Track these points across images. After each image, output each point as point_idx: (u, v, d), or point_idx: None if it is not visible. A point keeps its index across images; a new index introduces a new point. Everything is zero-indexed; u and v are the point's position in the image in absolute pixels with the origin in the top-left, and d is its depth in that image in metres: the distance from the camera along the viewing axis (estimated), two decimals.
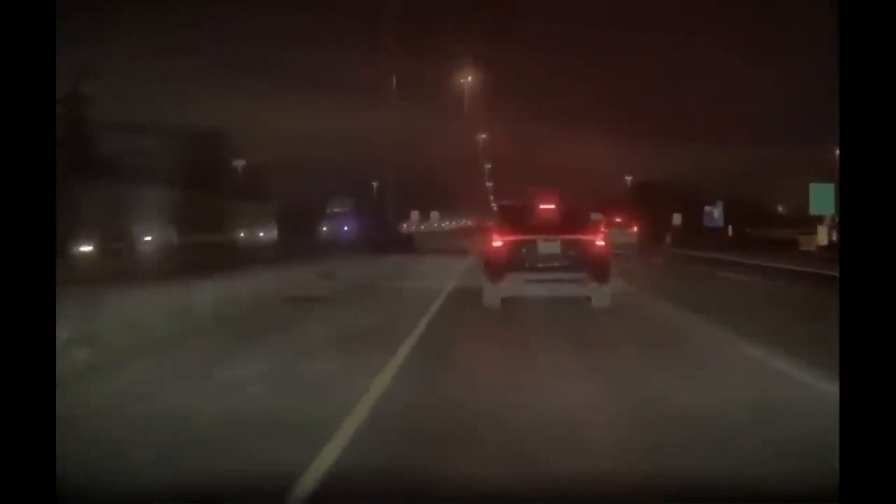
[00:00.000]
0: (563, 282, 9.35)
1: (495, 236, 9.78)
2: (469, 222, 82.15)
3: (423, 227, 66.78)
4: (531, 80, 79.95)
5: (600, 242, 9.62)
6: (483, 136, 65.55)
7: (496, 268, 9.61)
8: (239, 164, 47.45)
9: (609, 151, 65.42)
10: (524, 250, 9.51)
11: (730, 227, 42.51)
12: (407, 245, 33.97)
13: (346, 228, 42.63)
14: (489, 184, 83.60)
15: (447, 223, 75.98)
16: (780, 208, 52.76)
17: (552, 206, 10.06)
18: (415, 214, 70.53)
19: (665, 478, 3.45)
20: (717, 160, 51.63)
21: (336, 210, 47.92)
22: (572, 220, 9.85)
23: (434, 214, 73.43)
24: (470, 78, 49.82)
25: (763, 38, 57.18)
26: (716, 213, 43.74)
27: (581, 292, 9.52)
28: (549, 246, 9.48)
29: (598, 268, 9.42)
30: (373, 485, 3.40)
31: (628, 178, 58.79)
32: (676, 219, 45.21)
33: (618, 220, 28.24)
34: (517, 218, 10.07)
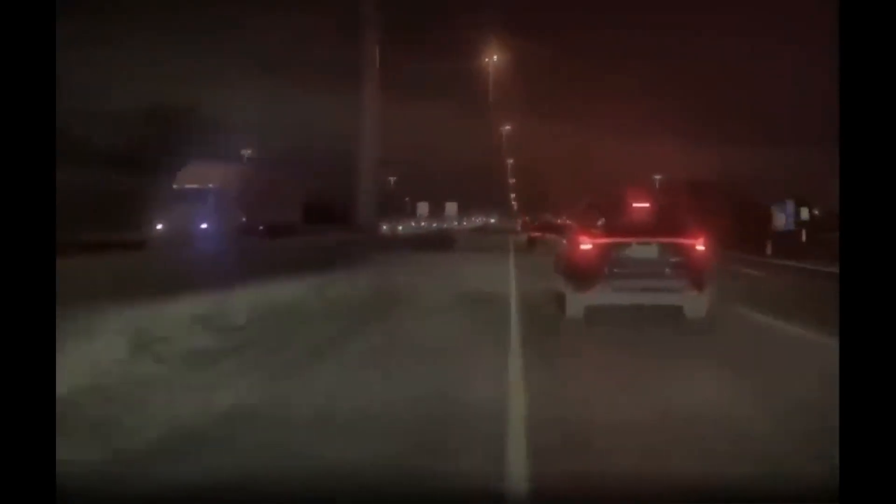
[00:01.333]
0: (658, 290, 8.52)
1: (583, 238, 8.79)
2: (493, 220, 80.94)
3: (401, 228, 55.44)
4: (557, 77, 79.73)
5: (701, 247, 8.63)
6: (507, 127, 63.87)
7: (584, 274, 8.65)
8: (245, 153, 45.27)
9: (632, 150, 64.94)
10: (616, 254, 8.58)
11: (803, 232, 33.89)
12: (429, 246, 26.11)
13: (204, 225, 21.19)
14: (512, 180, 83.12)
15: (452, 222, 68.45)
16: (816, 211, 49.44)
17: (646, 205, 9.25)
18: (423, 206, 59.93)
19: (665, 478, 3.45)
20: (737, 161, 50.07)
21: (190, 187, 22.55)
22: (669, 222, 8.97)
23: (451, 207, 61.75)
24: (495, 57, 47.68)
25: (776, 37, 56.43)
26: (804, 212, 36.87)
27: (677, 301, 8.66)
28: (644, 250, 8.62)
29: (697, 275, 8.54)
30: None
31: (657, 178, 57.43)
32: (779, 220, 36.37)
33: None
34: (610, 217, 9.12)
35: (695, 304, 8.59)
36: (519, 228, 35.73)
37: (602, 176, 48.70)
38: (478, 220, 78.37)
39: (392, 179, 70.23)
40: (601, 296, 8.60)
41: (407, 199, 71.45)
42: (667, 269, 8.54)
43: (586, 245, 8.73)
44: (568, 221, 12.49)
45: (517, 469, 3.49)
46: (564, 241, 10.34)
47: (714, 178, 47.00)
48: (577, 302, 8.80)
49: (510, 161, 75.19)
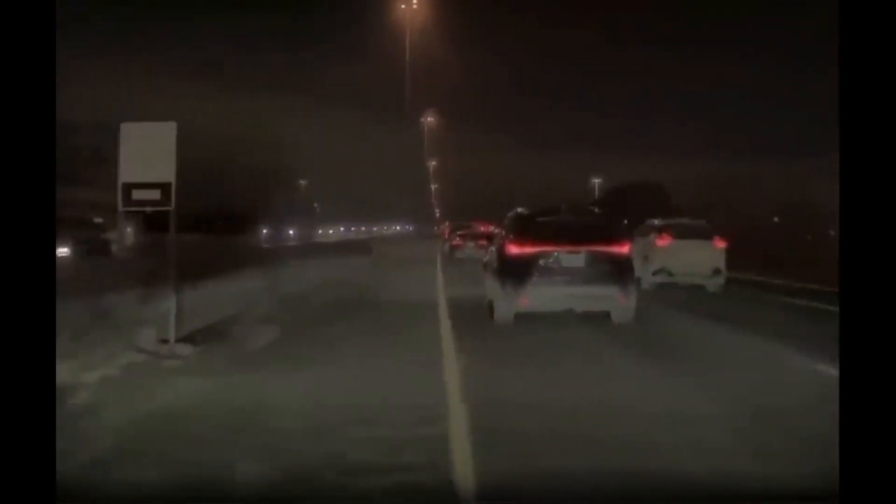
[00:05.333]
0: (586, 297, 8.80)
1: (513, 247, 9.06)
2: (410, 228, 79.50)
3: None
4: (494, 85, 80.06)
5: (626, 253, 9.08)
6: (428, 119, 61.81)
7: (513, 281, 8.85)
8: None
9: (559, 155, 65.93)
10: (545, 262, 8.85)
11: None
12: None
13: None
14: (433, 186, 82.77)
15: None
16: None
17: (574, 215, 9.58)
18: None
19: (665, 477, 3.48)
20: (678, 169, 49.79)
21: None
22: (596, 230, 9.28)
23: None
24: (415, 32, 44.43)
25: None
26: None
27: (604, 307, 9.00)
28: (572, 258, 8.87)
29: (623, 281, 8.86)
30: None
31: (596, 181, 57.11)
32: None
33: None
34: (536, 227, 9.32)
35: (623, 309, 8.93)
36: (446, 236, 35.35)
37: (539, 183, 48.66)
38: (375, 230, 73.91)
39: (303, 183, 68.77)
40: (531, 302, 8.84)
41: (316, 204, 70.76)
42: (594, 276, 8.80)
43: (515, 252, 8.98)
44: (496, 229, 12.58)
45: None
46: (493, 249, 10.53)
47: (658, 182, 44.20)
48: (507, 308, 8.96)
49: (432, 163, 73.93)
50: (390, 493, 3.26)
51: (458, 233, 31.01)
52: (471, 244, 27.59)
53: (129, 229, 27.31)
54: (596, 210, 10.13)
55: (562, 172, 64.31)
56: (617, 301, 8.82)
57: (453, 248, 29.06)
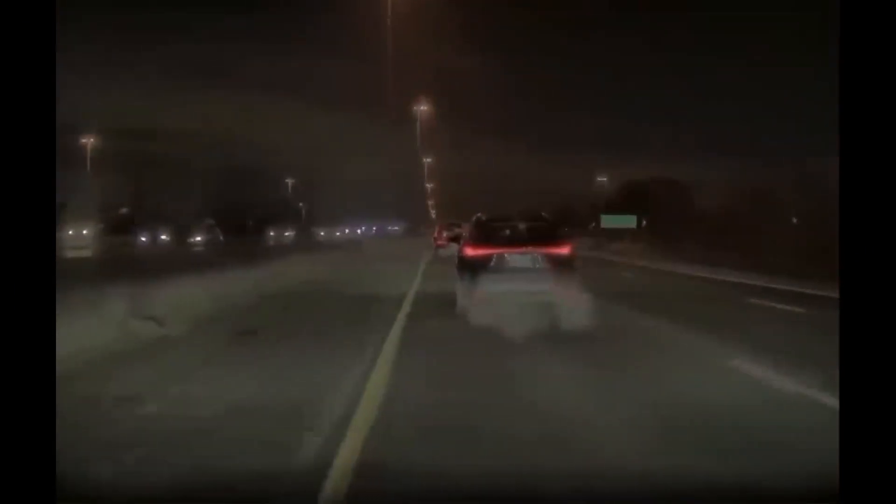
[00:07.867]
0: (532, 292, 9.77)
1: (468, 248, 10.52)
2: (396, 228, 77.51)
3: None
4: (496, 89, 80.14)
5: (567, 254, 10.28)
6: (423, 107, 60.54)
7: (469, 277, 10.18)
8: (88, 141, 41.37)
9: (565, 157, 66.08)
10: (495, 262, 10.15)
11: None
12: None
13: None
14: (429, 185, 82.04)
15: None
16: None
17: (524, 220, 10.89)
18: None
19: (664, 477, 3.48)
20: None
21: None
22: (543, 233, 10.53)
23: None
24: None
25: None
26: None
27: (552, 299, 9.92)
28: (520, 258, 10.13)
29: (567, 278, 9.95)
30: None
31: (602, 180, 56.73)
32: None
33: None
34: (490, 230, 10.69)
35: (569, 300, 9.71)
36: (436, 236, 36.92)
37: (543, 184, 49.03)
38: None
39: (290, 182, 67.88)
40: (486, 296, 9.83)
41: (301, 204, 69.79)
42: (539, 274, 9.99)
43: (472, 253, 10.41)
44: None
45: None
46: (458, 248, 11.91)
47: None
48: (464, 301, 10.05)
49: (428, 160, 72.51)
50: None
51: (445, 233, 32.81)
52: (453, 244, 28.69)
53: None
54: (544, 215, 11.53)
55: (567, 173, 64.79)
56: (562, 295, 9.71)
57: (438, 247, 31.50)
